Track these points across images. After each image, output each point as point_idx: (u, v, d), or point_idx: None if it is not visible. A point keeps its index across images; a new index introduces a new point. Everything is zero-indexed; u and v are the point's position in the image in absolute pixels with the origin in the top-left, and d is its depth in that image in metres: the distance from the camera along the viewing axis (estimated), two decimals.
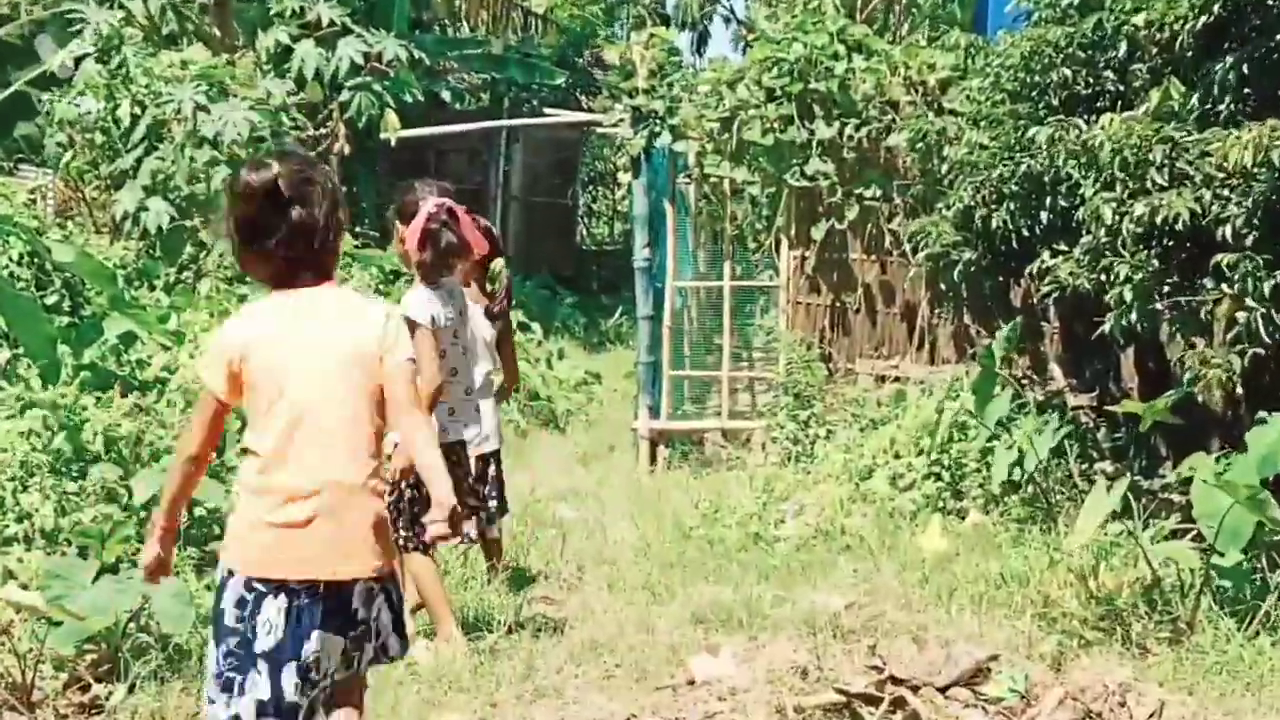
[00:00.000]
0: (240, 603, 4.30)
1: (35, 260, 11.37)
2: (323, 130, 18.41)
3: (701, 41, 32.36)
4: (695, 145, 13.11)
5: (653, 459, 13.07)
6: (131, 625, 6.64)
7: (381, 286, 15.88)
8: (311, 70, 17.91)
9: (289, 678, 4.26)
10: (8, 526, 7.32)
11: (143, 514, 7.88)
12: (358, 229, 17.55)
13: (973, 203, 10.04)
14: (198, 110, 15.01)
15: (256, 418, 4.40)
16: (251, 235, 4.41)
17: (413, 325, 6.30)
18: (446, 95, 22.67)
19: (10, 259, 11.50)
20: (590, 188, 29.96)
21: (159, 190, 14.89)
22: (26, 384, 8.66)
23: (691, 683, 6.80)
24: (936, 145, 11.02)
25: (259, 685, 4.28)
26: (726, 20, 19.90)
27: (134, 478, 7.84)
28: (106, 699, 6.31)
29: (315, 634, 4.28)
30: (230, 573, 4.36)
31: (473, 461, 7.64)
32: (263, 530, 4.30)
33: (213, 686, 4.37)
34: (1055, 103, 9.72)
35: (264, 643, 4.27)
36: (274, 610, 4.27)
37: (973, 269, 10.31)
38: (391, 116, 17.89)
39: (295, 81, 17.63)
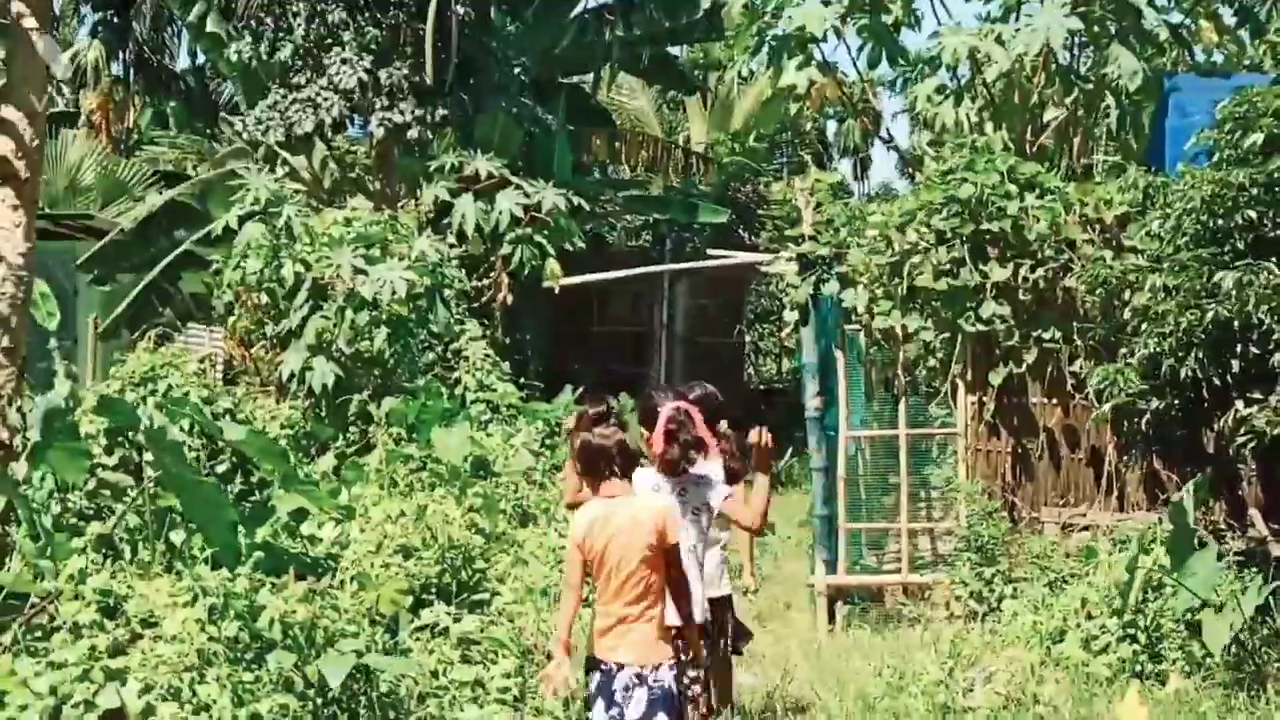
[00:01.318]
0: (588, 671, 7.01)
1: (206, 431, 11.46)
2: (485, 282, 18.54)
3: (863, 168, 32.30)
4: (865, 293, 12.85)
5: (831, 615, 12.69)
6: None
7: (547, 440, 15.78)
8: (471, 225, 18.12)
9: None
10: (185, 719, 7.22)
11: (318, 700, 7.82)
12: (522, 380, 17.51)
13: (1159, 351, 9.70)
14: (356, 273, 15.17)
15: (591, 569, 6.88)
16: (591, 469, 6.98)
17: None
18: (608, 237, 22.78)
19: (182, 428, 11.57)
20: (756, 325, 29.72)
21: (323, 350, 15.02)
22: (196, 570, 8.59)
23: None
24: (1117, 289, 10.66)
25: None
26: (888, 145, 19.79)
27: (317, 665, 7.74)
28: None
29: (599, 698, 6.89)
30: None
31: None
32: (594, 632, 7.01)
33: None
34: (1241, 246, 9.38)
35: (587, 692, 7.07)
36: (594, 679, 6.92)
37: (1162, 418, 9.92)
38: (554, 265, 17.98)
39: (456, 235, 17.81)
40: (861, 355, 13.25)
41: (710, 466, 8.33)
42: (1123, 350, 10.65)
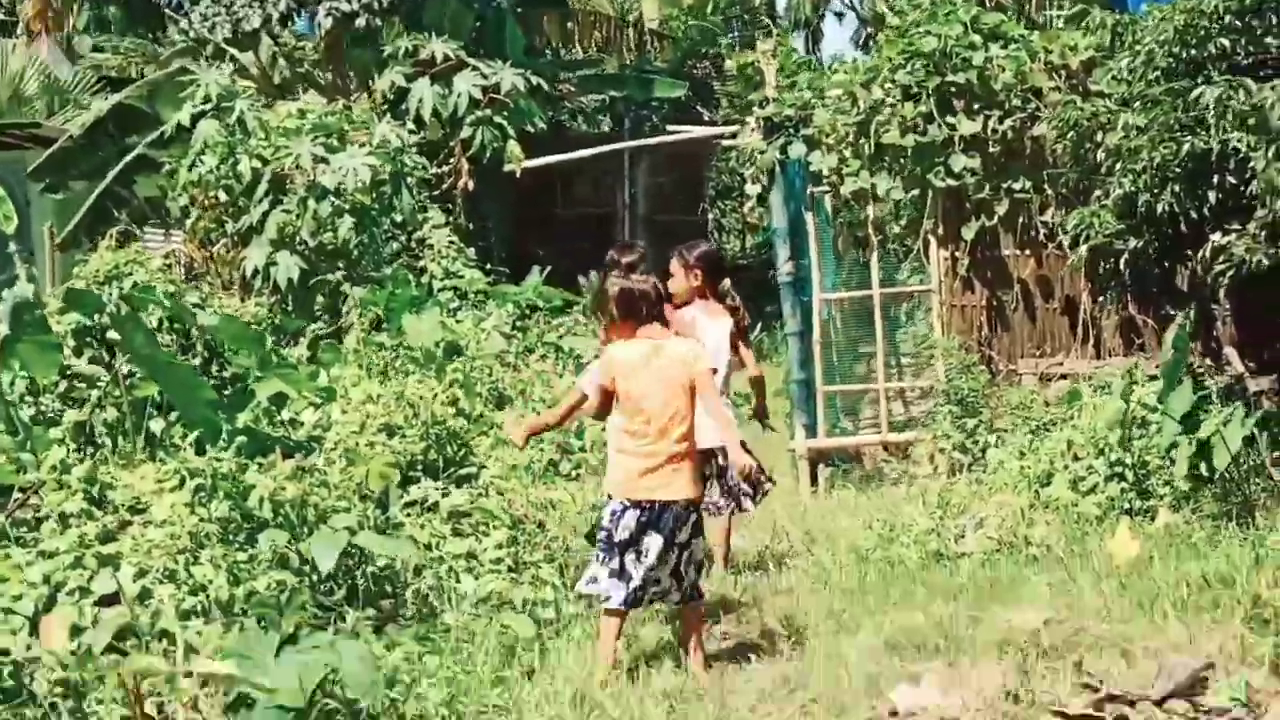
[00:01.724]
0: (613, 514, 7.26)
1: (176, 326, 11.30)
2: (444, 168, 18.33)
3: (815, 42, 32.02)
4: (833, 154, 12.74)
5: (813, 479, 12.71)
6: (317, 692, 6.45)
7: (518, 323, 15.70)
8: (429, 109, 17.88)
9: (630, 559, 7.25)
10: (183, 600, 7.16)
11: (313, 577, 7.77)
12: (488, 265, 17.38)
13: (1133, 189, 9.65)
14: (317, 162, 14.96)
15: (627, 412, 7.28)
16: (632, 312, 7.33)
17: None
18: (567, 120, 22.52)
19: (151, 322, 11.44)
20: (719, 202, 29.56)
21: (286, 244, 14.85)
22: (182, 455, 8.49)
23: (894, 714, 6.49)
24: (1088, 132, 10.60)
25: (614, 561, 7.27)
26: (840, 16, 19.54)
27: (309, 543, 7.69)
28: None
29: (652, 532, 7.23)
30: (610, 497, 7.37)
31: None
32: (632, 475, 7.25)
33: (593, 564, 7.42)
34: (1216, 75, 9.31)
35: (621, 536, 7.24)
36: (631, 518, 7.22)
37: (1139, 257, 9.90)
38: (515, 147, 17.81)
39: (414, 121, 17.58)
40: (830, 218, 13.18)
41: (719, 324, 8.97)
42: (1096, 193, 10.60)
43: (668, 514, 7.26)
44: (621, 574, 7.27)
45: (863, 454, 13.19)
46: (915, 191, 12.57)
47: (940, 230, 12.60)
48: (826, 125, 12.73)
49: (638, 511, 7.25)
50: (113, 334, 9.87)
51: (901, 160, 12.57)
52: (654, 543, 7.26)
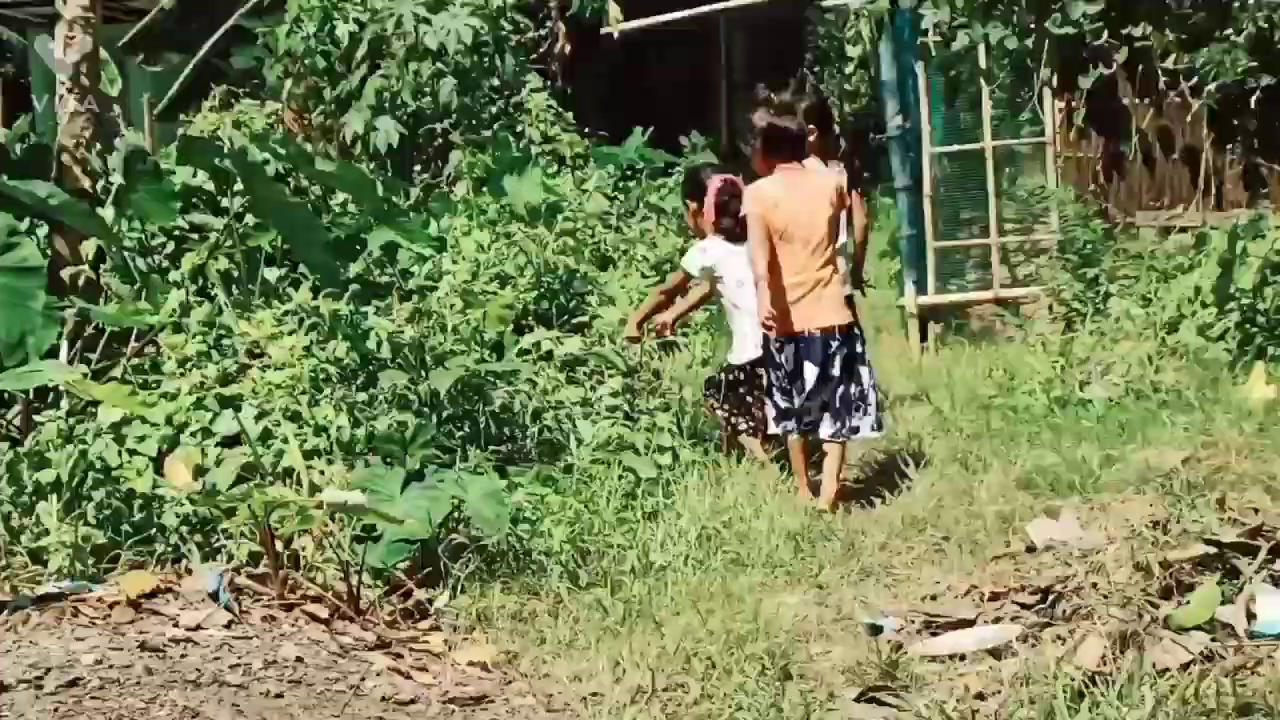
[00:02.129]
0: (777, 350, 7.68)
1: (284, 181, 11.20)
2: (542, 31, 18.07)
3: None
4: (945, 5, 12.37)
5: (923, 336, 12.51)
6: (443, 527, 6.44)
7: (619, 183, 15.53)
8: None
9: (797, 390, 7.65)
10: (306, 440, 7.11)
11: (434, 418, 7.71)
12: (586, 130, 17.15)
13: (1268, 25, 9.29)
14: (419, 23, 14.75)
15: (780, 242, 7.58)
16: (775, 148, 7.68)
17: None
18: None
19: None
20: (816, 69, 29.05)
21: (386, 109, 14.71)
22: (300, 295, 8.41)
23: (1031, 549, 6.33)
24: None
25: (792, 395, 7.68)
26: None
27: (428, 383, 7.63)
28: (430, 603, 6.11)
29: (807, 363, 7.63)
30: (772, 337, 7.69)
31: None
32: (783, 308, 7.59)
33: (779, 401, 7.77)
34: None
35: (789, 368, 7.65)
36: (790, 352, 7.65)
37: (1272, 95, 9.55)
38: (614, 9, 17.50)
39: None
40: (941, 70, 12.86)
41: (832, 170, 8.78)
42: (1226, 32, 10.23)
43: (815, 343, 7.65)
44: (798, 407, 7.69)
45: (969, 314, 12.93)
46: (1030, 41, 12.19)
47: (1055, 80, 12.23)
48: None
49: (794, 345, 7.67)
50: (221, 190, 9.77)
51: (1016, 9, 12.18)
52: (811, 373, 7.65)
